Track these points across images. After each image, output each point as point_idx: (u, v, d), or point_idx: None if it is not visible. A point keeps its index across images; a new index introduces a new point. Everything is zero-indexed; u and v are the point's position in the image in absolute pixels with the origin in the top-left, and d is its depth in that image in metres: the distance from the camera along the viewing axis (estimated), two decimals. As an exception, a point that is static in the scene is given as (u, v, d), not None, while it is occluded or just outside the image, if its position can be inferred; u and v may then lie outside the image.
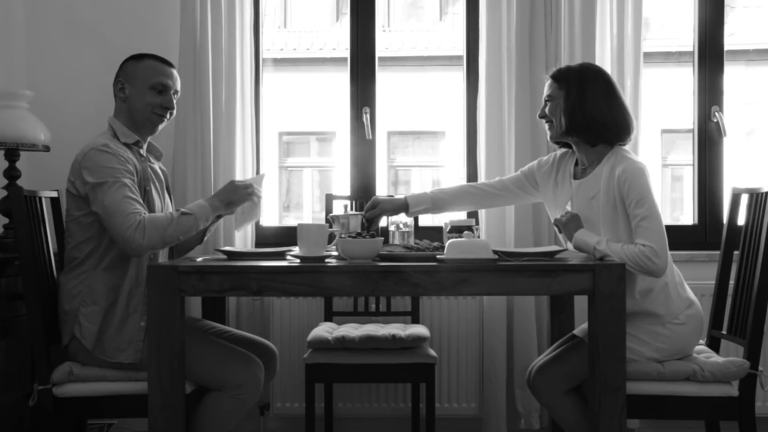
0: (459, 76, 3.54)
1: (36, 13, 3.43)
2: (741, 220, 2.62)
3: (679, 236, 3.26)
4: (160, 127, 2.54)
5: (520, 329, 3.20)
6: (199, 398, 2.37)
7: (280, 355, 2.91)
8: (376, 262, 2.24)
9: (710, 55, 3.40)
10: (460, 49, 3.50)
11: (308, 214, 7.59)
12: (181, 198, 3.13)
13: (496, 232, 3.21)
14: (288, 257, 2.38)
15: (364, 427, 3.35)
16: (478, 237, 2.63)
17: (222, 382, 2.33)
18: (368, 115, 3.43)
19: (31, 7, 3.42)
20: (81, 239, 2.38)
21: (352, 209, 3.24)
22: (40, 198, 2.54)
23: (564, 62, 3.12)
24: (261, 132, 3.44)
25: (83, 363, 2.36)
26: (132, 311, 2.37)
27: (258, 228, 3.40)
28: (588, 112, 2.43)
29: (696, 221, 3.42)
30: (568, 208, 2.53)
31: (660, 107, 4.47)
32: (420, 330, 2.88)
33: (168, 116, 2.53)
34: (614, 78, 2.57)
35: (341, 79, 3.60)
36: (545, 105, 2.53)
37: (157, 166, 2.61)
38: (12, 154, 2.96)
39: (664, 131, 6.63)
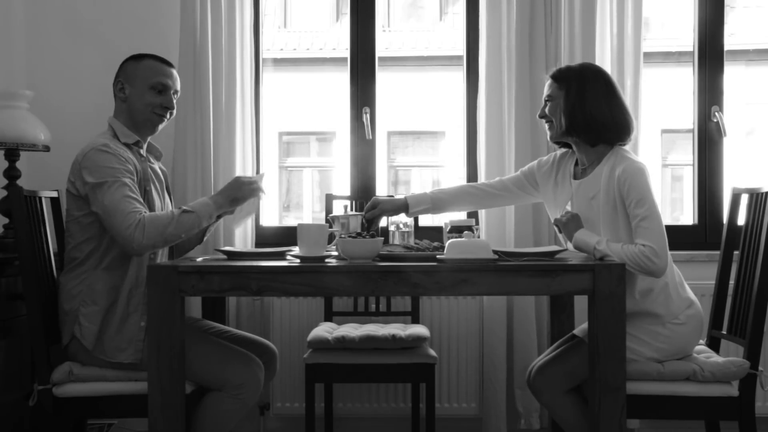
0: (459, 76, 3.54)
1: (36, 13, 3.43)
2: (741, 220, 2.62)
3: (679, 236, 3.26)
4: (160, 127, 2.54)
5: (520, 329, 3.20)
6: (199, 398, 2.37)
7: (280, 355, 2.91)
8: (376, 262, 2.24)
9: (710, 55, 3.40)
10: (460, 49, 3.50)
11: (308, 214, 7.59)
12: (181, 198, 3.13)
13: (496, 232, 3.21)
14: (288, 257, 2.38)
15: (364, 427, 3.35)
16: (478, 237, 2.63)
17: (222, 382, 2.33)
18: (368, 115, 3.43)
19: (31, 7, 3.42)
20: (81, 239, 2.38)
21: (352, 209, 3.24)
22: (40, 198, 2.54)
23: (564, 62, 3.13)
24: (261, 132, 3.44)
25: (83, 363, 2.36)
26: (132, 311, 2.37)
27: (258, 228, 3.40)
28: (588, 112, 2.43)
29: (696, 221, 3.42)
30: (568, 208, 2.53)
31: (660, 107, 4.47)
32: (420, 330, 2.88)
33: (168, 116, 2.53)
34: (614, 78, 2.57)
35: (341, 79, 3.60)
36: (545, 105, 2.53)
37: (156, 166, 2.61)
38: (12, 154, 2.96)
39: (664, 131, 6.63)
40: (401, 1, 7.72)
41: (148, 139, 2.57)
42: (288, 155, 7.87)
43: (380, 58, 3.49)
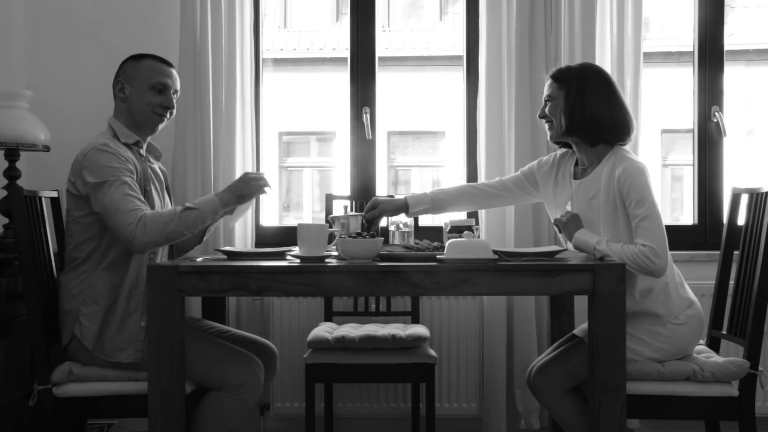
0: (459, 76, 3.54)
1: (36, 13, 3.43)
2: (741, 220, 2.62)
3: (679, 236, 3.26)
4: (160, 126, 2.54)
5: (520, 329, 3.20)
6: (199, 398, 2.37)
7: (280, 355, 2.91)
8: (376, 262, 2.24)
9: (710, 55, 3.40)
10: (460, 49, 3.50)
11: (308, 214, 7.59)
12: (181, 198, 3.13)
13: (496, 232, 3.21)
14: (288, 257, 2.38)
15: (364, 427, 3.35)
16: (478, 237, 2.63)
17: (222, 382, 2.33)
18: (368, 115, 3.43)
19: (31, 7, 3.42)
20: (82, 239, 2.38)
21: (352, 209, 3.24)
22: (40, 198, 2.54)
23: (564, 62, 3.13)
24: (261, 132, 3.44)
25: (83, 363, 2.36)
26: (132, 311, 2.37)
27: (258, 228, 3.40)
28: (588, 112, 2.43)
29: (696, 221, 3.42)
30: (568, 208, 2.53)
31: (660, 107, 4.47)
32: (420, 330, 2.88)
33: (168, 116, 2.53)
34: (614, 78, 2.57)
35: (341, 79, 3.60)
36: (545, 105, 2.53)
37: (156, 166, 2.61)
38: (12, 154, 2.96)
39: (664, 131, 6.63)
40: (401, 1, 7.72)
41: (148, 139, 2.57)
42: (288, 155, 7.87)
43: (380, 58, 3.49)
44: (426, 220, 3.32)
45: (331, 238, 2.43)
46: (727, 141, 3.41)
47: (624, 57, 3.18)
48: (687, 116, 3.49)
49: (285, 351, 3.22)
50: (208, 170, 3.21)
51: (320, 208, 6.85)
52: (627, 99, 2.74)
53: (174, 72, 2.54)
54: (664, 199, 6.68)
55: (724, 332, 2.58)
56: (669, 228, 2.44)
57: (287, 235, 3.39)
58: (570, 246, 2.43)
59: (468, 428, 3.32)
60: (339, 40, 7.37)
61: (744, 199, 2.61)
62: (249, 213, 3.24)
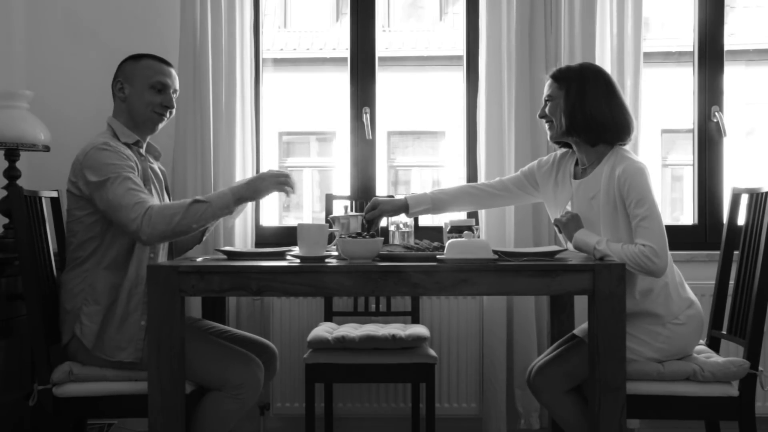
0: (459, 76, 3.54)
1: (36, 13, 3.43)
2: (741, 220, 2.62)
3: (679, 236, 3.26)
4: (160, 126, 2.54)
5: (519, 329, 3.20)
6: (199, 398, 2.37)
7: (280, 355, 2.91)
8: (376, 262, 2.24)
9: (710, 55, 3.40)
10: (460, 49, 3.50)
11: (308, 214, 7.58)
12: (181, 198, 3.12)
13: (496, 232, 3.21)
14: (288, 257, 2.38)
15: (364, 427, 3.35)
16: (478, 237, 2.63)
17: (222, 381, 2.33)
18: (368, 115, 3.43)
19: (31, 7, 3.42)
20: (85, 238, 2.38)
21: (352, 210, 3.24)
22: (40, 198, 2.54)
23: (564, 62, 3.13)
24: (261, 132, 3.44)
25: (83, 362, 2.36)
26: (132, 310, 2.37)
27: (258, 228, 3.40)
28: (588, 112, 2.43)
29: (696, 221, 3.42)
30: (569, 208, 2.53)
31: (660, 107, 4.47)
32: (420, 330, 2.88)
33: (168, 115, 2.53)
34: (614, 78, 2.57)
35: (341, 79, 3.60)
36: (545, 105, 2.53)
37: (156, 166, 2.61)
38: (12, 154, 2.96)
39: (664, 131, 6.63)
40: (401, 1, 7.72)
41: (148, 138, 2.57)
42: (288, 155, 7.87)
43: (380, 58, 3.49)
44: (426, 220, 3.32)
45: (331, 238, 2.43)
46: (727, 141, 3.41)
47: (624, 57, 3.18)
48: (687, 116, 3.49)
49: (285, 351, 3.22)
50: (208, 170, 3.21)
51: (320, 208, 6.85)
52: (627, 99, 2.74)
53: (173, 71, 2.54)
54: (664, 199, 6.69)
55: (724, 332, 2.58)
56: (669, 228, 2.44)
57: (287, 235, 3.39)
58: (570, 246, 2.43)
59: (468, 428, 3.32)
60: (339, 40, 7.37)
61: (744, 199, 2.61)
62: (249, 213, 3.24)
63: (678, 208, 6.94)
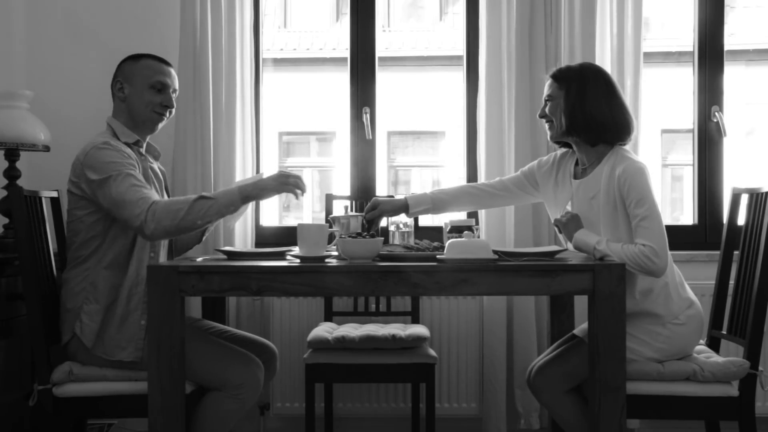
0: (459, 76, 3.54)
1: (36, 13, 3.43)
2: (741, 220, 2.62)
3: (679, 236, 3.26)
4: (160, 125, 2.54)
5: (519, 329, 3.20)
6: (199, 398, 2.37)
7: (280, 355, 2.91)
8: (376, 262, 2.24)
9: (710, 55, 3.40)
10: (460, 49, 3.50)
11: (308, 214, 7.58)
12: (181, 198, 3.13)
13: (496, 232, 3.21)
14: (288, 257, 2.38)
15: (364, 427, 3.35)
16: (478, 237, 2.63)
17: (222, 381, 2.33)
18: (368, 115, 3.44)
19: (31, 7, 3.42)
20: (86, 237, 2.38)
21: (352, 210, 3.24)
22: (40, 198, 2.54)
23: (564, 62, 3.13)
24: (261, 132, 3.44)
25: (83, 362, 2.36)
26: (133, 310, 2.37)
27: (258, 228, 3.40)
28: (588, 111, 2.43)
29: (696, 221, 3.42)
30: (569, 208, 2.53)
31: (660, 107, 4.47)
32: (420, 330, 2.88)
33: (168, 115, 2.53)
34: (614, 78, 2.57)
35: (341, 79, 3.60)
36: (545, 105, 2.53)
37: (155, 165, 2.61)
38: (12, 154, 2.96)
39: (664, 131, 6.63)
40: (401, 1, 7.72)
41: (147, 138, 2.57)
42: (288, 155, 7.87)
43: (380, 58, 3.49)
44: (426, 220, 3.32)
45: (331, 238, 2.43)
46: (727, 141, 3.41)
47: (624, 57, 3.18)
48: (687, 116, 3.49)
49: (285, 351, 3.22)
50: (208, 170, 3.21)
51: (320, 208, 6.85)
52: (627, 99, 2.74)
53: (172, 71, 2.55)
54: (664, 199, 6.69)
55: (724, 332, 2.58)
56: (669, 228, 2.44)
57: (287, 235, 3.39)
58: (570, 246, 2.43)
59: (468, 428, 3.32)
60: (339, 40, 7.37)
61: (744, 199, 2.61)
62: (249, 213, 3.24)
63: (678, 208, 6.94)
